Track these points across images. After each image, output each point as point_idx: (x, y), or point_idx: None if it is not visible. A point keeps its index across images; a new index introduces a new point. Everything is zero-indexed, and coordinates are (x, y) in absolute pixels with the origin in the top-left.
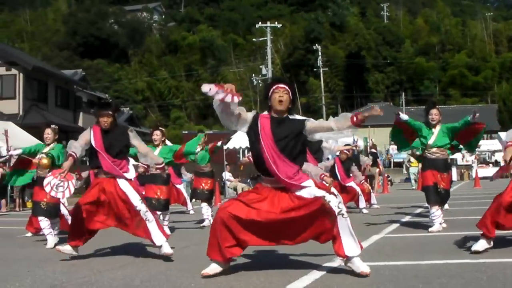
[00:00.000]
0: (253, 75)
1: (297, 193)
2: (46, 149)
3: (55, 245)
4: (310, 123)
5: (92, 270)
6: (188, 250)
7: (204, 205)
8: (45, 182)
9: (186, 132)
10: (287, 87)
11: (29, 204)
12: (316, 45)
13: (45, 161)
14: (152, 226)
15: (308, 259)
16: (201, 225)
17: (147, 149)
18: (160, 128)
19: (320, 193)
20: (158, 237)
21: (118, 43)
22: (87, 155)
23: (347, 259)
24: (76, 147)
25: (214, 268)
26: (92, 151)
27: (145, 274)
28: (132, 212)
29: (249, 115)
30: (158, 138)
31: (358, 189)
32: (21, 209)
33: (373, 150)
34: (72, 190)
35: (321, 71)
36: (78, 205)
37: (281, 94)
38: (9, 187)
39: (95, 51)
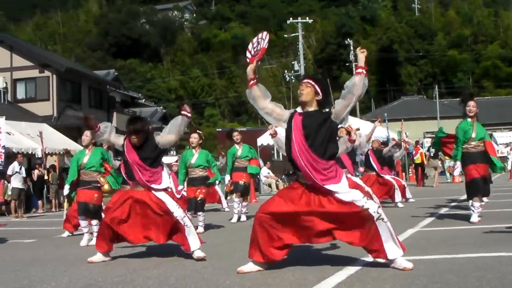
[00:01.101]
0: (286, 71)
1: (335, 195)
2: (86, 157)
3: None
4: (334, 108)
5: (128, 269)
6: (223, 248)
7: (237, 200)
8: None
9: (220, 129)
10: (310, 81)
11: (65, 205)
12: (348, 39)
13: (106, 187)
14: (189, 231)
15: (343, 254)
16: (231, 220)
17: (168, 134)
18: (197, 131)
19: (359, 200)
20: (193, 243)
21: (150, 42)
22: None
23: (390, 261)
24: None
25: (251, 267)
26: (126, 163)
27: (180, 273)
28: (167, 219)
29: (286, 113)
30: (196, 141)
31: (394, 182)
32: (57, 210)
33: None
34: None
35: (354, 65)
36: (105, 220)
37: (302, 88)
38: (45, 189)
39: (127, 51)
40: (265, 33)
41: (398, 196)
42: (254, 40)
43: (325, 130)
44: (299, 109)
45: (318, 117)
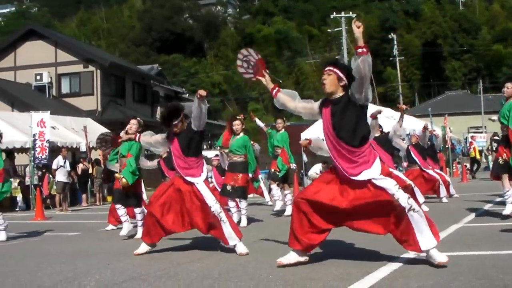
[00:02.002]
0: None
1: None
2: (122, 146)
3: (132, 235)
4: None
5: (171, 262)
6: (267, 242)
7: (274, 187)
8: None
9: (264, 124)
10: (331, 68)
11: (109, 199)
12: (392, 34)
13: (124, 180)
14: (226, 226)
15: (387, 250)
16: (274, 209)
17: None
18: (237, 117)
19: (390, 188)
20: (231, 238)
21: (194, 37)
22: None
23: (424, 252)
24: (146, 134)
25: (291, 258)
26: (169, 153)
27: (224, 266)
28: (206, 212)
29: (316, 105)
30: (239, 127)
31: (438, 177)
32: (101, 203)
33: (496, 138)
34: None
35: (397, 60)
36: (150, 210)
37: (324, 76)
38: (89, 183)
39: (171, 46)
40: (244, 50)
41: (443, 191)
42: (239, 62)
43: (351, 113)
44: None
45: (343, 101)
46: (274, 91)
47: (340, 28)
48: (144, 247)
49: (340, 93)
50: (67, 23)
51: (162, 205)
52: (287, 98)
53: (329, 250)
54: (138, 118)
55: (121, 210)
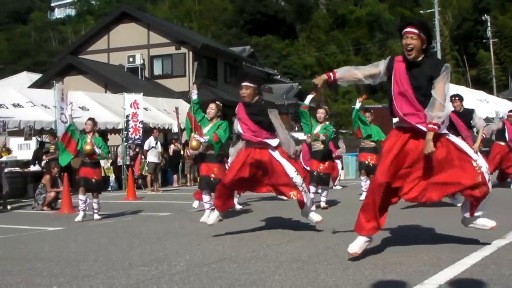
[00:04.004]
0: None
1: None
2: (209, 126)
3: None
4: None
5: (261, 244)
6: None
7: (363, 178)
8: None
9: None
10: (417, 31)
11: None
12: (485, 15)
13: (194, 143)
14: (306, 196)
15: (478, 236)
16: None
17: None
18: (324, 106)
19: (471, 152)
20: (309, 204)
21: (286, 19)
22: None
23: (474, 218)
24: None
25: (362, 245)
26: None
27: (313, 249)
28: (286, 180)
29: (381, 65)
30: (323, 116)
31: None
32: (192, 184)
33: None
34: None
35: (491, 42)
36: (223, 182)
37: (409, 41)
38: (180, 164)
39: (263, 27)
40: None
41: None
42: None
43: (426, 75)
44: (400, 56)
45: (425, 66)
46: (331, 74)
47: (433, 10)
48: (215, 216)
49: (420, 58)
50: (159, 6)
51: (237, 176)
52: (345, 70)
53: (420, 235)
54: (217, 102)
55: (206, 197)
